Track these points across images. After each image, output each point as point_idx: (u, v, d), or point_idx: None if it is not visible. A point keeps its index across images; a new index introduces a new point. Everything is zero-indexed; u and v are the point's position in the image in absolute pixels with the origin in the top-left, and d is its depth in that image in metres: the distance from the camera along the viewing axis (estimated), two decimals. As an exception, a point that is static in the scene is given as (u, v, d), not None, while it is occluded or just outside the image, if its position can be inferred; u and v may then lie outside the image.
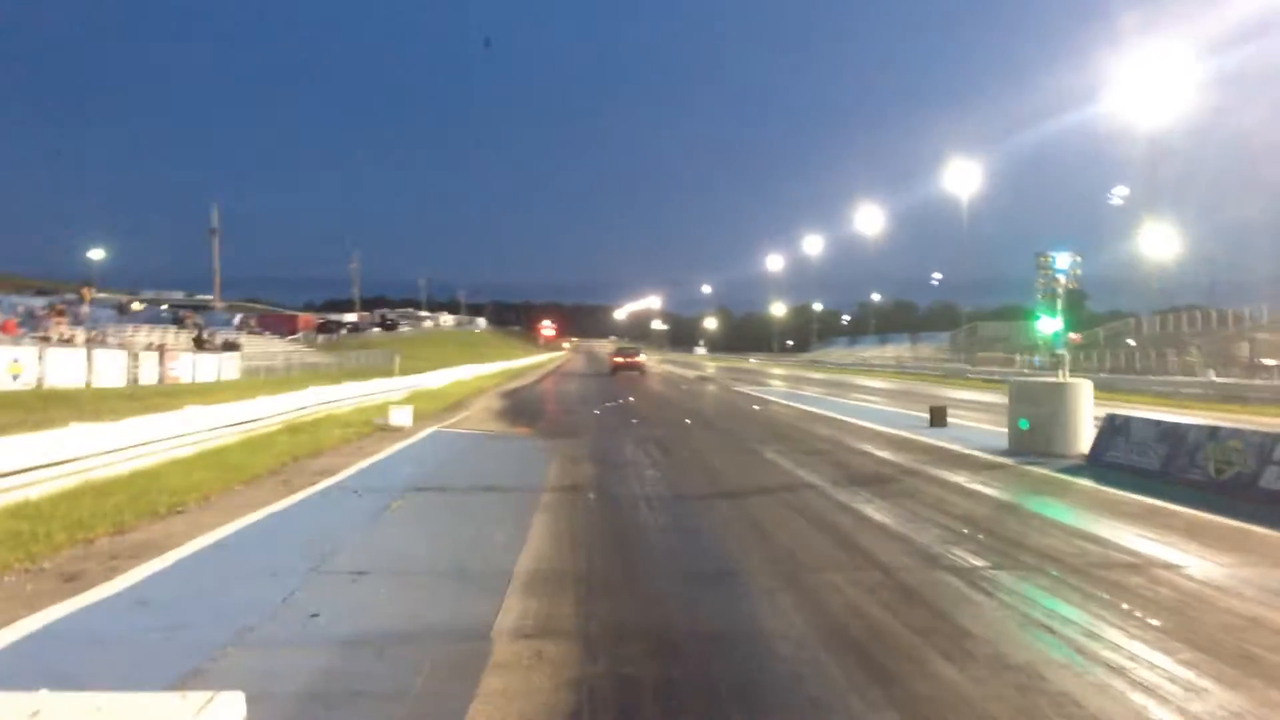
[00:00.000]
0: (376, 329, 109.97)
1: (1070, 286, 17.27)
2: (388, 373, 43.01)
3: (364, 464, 14.90)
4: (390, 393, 29.68)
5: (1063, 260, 17.18)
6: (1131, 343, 56.98)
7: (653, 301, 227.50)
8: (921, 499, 12.31)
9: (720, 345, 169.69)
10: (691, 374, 65.04)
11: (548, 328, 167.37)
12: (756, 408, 30.03)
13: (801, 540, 9.74)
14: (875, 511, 11.34)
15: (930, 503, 12.02)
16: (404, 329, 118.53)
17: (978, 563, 8.87)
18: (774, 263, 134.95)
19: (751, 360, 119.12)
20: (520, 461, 16.05)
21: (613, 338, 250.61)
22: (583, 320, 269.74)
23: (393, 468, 14.72)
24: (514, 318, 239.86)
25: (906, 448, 18.29)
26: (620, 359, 61.05)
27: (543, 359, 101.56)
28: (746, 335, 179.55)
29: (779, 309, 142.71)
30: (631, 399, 34.02)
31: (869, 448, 18.35)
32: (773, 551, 9.21)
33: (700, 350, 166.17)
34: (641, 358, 61.83)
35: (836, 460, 16.18)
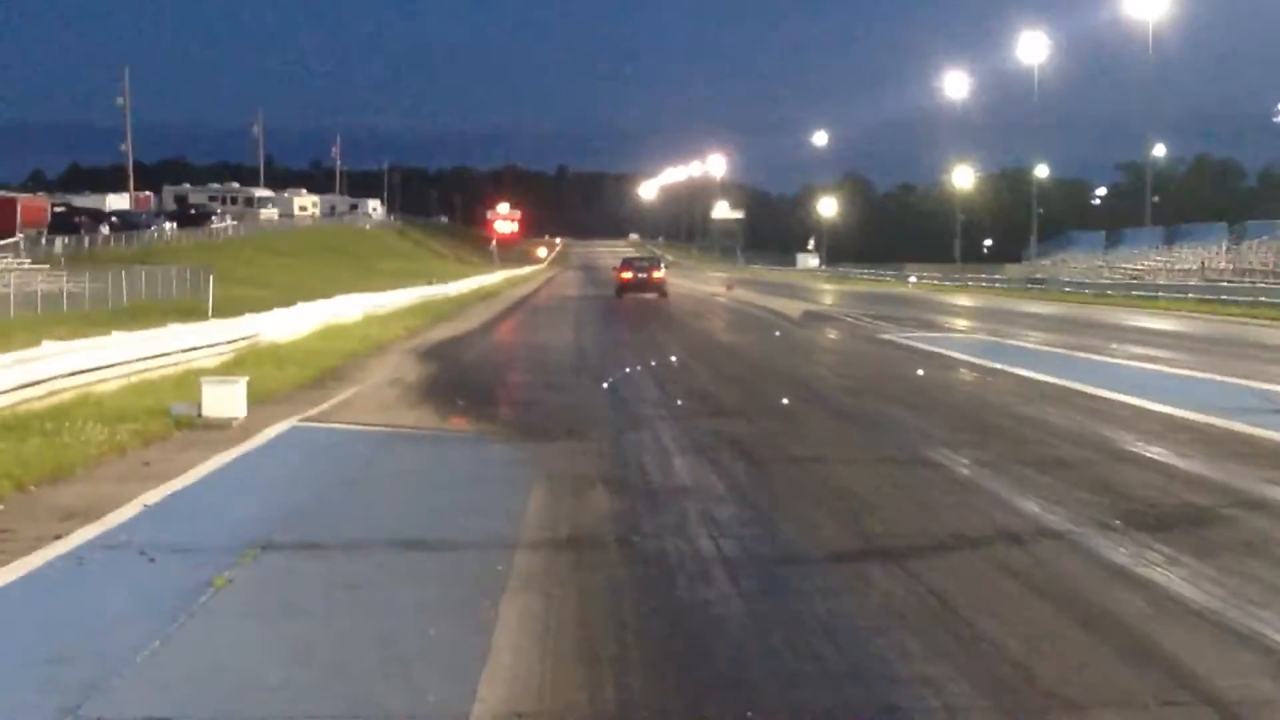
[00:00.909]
0: (170, 224, 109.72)
1: None
2: (195, 312, 42.60)
3: (157, 495, 14.98)
4: (202, 352, 29.61)
5: None
6: None
7: (715, 167, 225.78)
8: (1284, 557, 12.13)
9: (849, 251, 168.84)
10: (793, 307, 64.89)
11: (504, 219, 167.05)
12: (924, 372, 30.36)
13: (1047, 643, 9.62)
14: (1190, 584, 11.25)
15: (1304, 565, 11.84)
16: (223, 224, 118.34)
17: None
18: (954, 87, 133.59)
19: (911, 280, 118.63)
20: (466, 489, 16.11)
21: (634, 236, 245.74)
22: (576, 207, 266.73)
23: (215, 504, 14.78)
24: (439, 201, 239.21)
25: (1242, 452, 18.16)
26: (628, 273, 78.85)
27: (497, 279, 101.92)
28: (899, 231, 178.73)
29: (963, 179, 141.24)
30: (675, 359, 34.45)
31: (1161, 453, 18.30)
32: (991, 668, 9.09)
33: (810, 259, 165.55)
34: (661, 273, 79.64)
35: (1097, 479, 16.22)
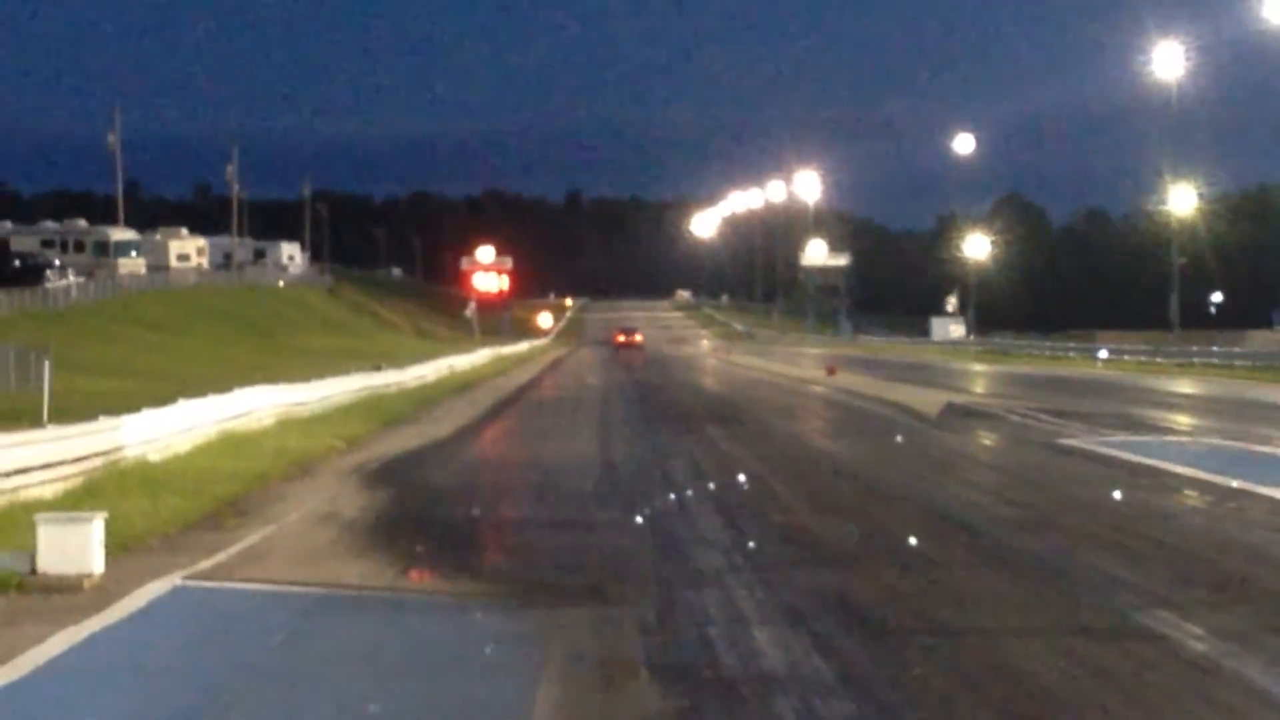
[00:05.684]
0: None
1: None
2: (24, 415, 36.57)
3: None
4: (35, 475, 25.05)
5: None
6: None
7: (805, 189, 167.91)
8: None
9: (1011, 313, 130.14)
10: (928, 399, 50.28)
11: (487, 270, 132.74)
12: (1130, 497, 24.93)
13: None
14: None
15: None
16: (64, 282, 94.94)
17: None
18: (1166, 64, 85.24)
19: (1102, 356, 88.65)
20: (439, 681, 13.27)
21: (683, 294, 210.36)
22: (596, 251, 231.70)
23: (54, 710, 12.25)
24: (389, 245, 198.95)
25: None
26: (622, 337, 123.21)
27: (478, 360, 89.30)
28: (1085, 282, 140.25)
29: (1183, 204, 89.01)
30: (746, 478, 28.38)
31: None
32: None
33: (951, 327, 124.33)
34: (640, 337, 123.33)
35: None
